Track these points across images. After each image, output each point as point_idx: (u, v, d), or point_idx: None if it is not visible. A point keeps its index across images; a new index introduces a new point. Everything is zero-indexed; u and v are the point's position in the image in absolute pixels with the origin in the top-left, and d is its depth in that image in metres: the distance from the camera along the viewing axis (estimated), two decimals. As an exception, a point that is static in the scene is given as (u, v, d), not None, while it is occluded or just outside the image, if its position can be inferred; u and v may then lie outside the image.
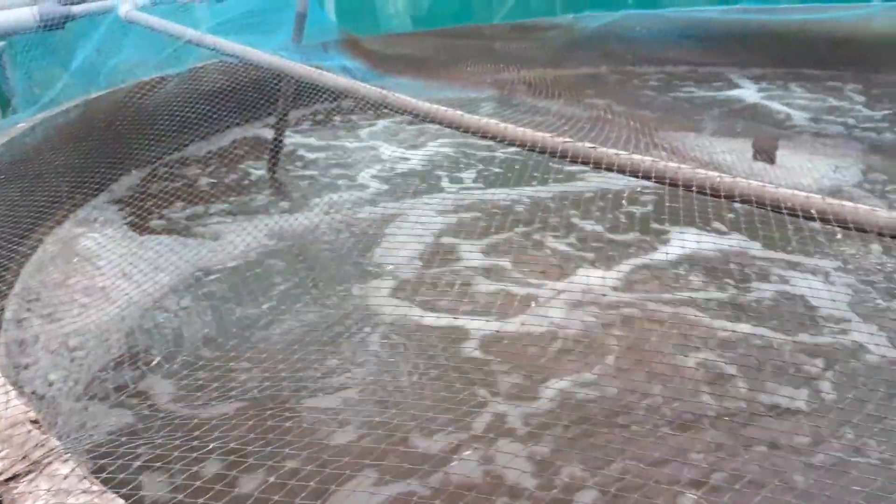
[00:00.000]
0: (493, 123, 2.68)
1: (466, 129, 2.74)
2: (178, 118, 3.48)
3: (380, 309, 2.61)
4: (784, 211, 2.03)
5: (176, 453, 1.53)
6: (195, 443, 1.58)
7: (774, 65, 5.26)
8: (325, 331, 2.49)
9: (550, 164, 3.51)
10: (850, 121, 4.40)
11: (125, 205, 3.52)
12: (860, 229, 1.98)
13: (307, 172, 4.06)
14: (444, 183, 3.76)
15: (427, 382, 2.20)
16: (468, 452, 1.93)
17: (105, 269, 2.86)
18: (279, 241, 3.16)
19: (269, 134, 4.18)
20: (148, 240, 3.16)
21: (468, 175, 3.86)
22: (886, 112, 4.50)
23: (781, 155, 4.07)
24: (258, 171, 4.04)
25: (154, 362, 2.35)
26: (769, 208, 2.10)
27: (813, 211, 2.05)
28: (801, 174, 3.82)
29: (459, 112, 2.75)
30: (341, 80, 2.76)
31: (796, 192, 2.08)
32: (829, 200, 1.99)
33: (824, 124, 4.36)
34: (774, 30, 5.53)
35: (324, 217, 3.33)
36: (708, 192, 2.17)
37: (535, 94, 4.65)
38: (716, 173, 2.22)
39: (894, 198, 3.33)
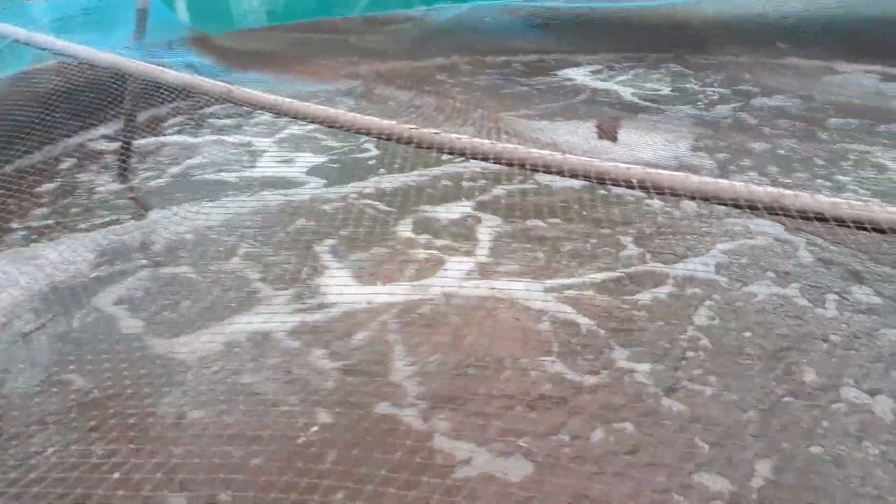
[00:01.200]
0: (342, 113, 2.72)
1: (314, 120, 2.78)
2: (9, 125, 3.29)
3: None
4: (608, 182, 2.21)
5: None
6: None
7: (617, 50, 5.58)
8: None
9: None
10: (683, 97, 4.74)
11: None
12: (675, 194, 2.19)
13: (164, 176, 3.94)
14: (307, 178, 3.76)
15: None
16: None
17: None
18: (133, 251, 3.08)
19: (116, 137, 4.03)
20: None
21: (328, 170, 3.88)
22: (713, 88, 4.87)
23: (623, 133, 4.33)
24: (104, 178, 3.89)
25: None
26: (595, 180, 2.28)
27: (634, 181, 2.24)
28: (641, 149, 4.07)
29: (307, 103, 2.78)
30: (184, 77, 2.72)
31: (618, 164, 2.26)
32: (648, 170, 2.19)
33: (661, 103, 4.67)
34: (616, 18, 5.86)
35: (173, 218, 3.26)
36: (541, 169, 2.32)
37: (388, 85, 4.73)
38: (548, 152, 2.37)
39: (718, 164, 3.63)
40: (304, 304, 2.60)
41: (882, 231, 2.09)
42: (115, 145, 3.93)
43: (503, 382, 2.17)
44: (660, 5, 5.89)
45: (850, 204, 1.91)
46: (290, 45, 5.42)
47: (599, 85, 5.13)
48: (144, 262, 2.90)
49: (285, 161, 3.82)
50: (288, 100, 2.76)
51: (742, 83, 4.91)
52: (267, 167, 3.77)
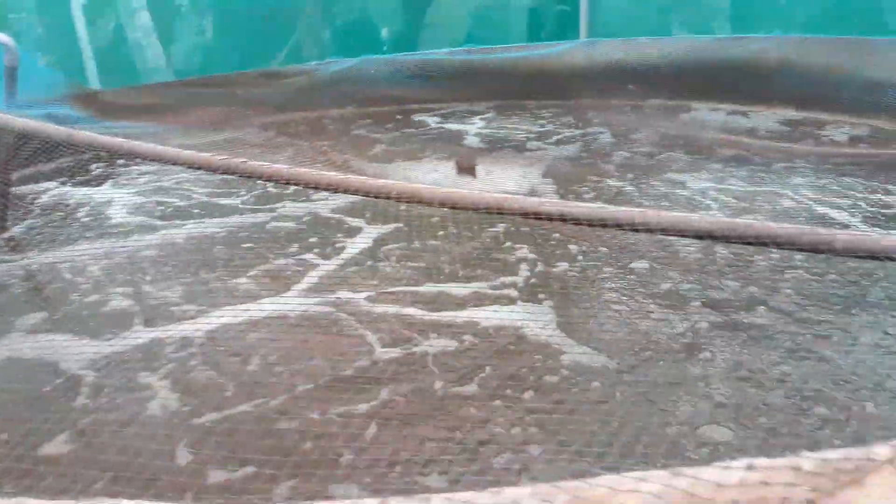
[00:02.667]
0: (187, 154, 3.05)
1: (166, 161, 3.10)
2: None
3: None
4: (437, 204, 2.58)
5: None
6: None
7: (491, 98, 6.07)
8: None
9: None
10: (545, 138, 5.21)
11: None
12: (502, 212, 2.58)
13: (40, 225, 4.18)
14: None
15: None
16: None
17: None
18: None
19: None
20: None
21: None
22: (571, 129, 5.35)
23: (485, 170, 4.75)
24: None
25: None
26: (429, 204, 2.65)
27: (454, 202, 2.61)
28: (502, 183, 4.48)
29: (153, 145, 3.11)
30: (27, 123, 3.03)
31: (431, 187, 2.64)
32: (463, 192, 2.56)
33: (525, 142, 5.12)
34: (493, 67, 6.39)
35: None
36: (372, 195, 2.66)
37: (278, 134, 5.10)
38: (383, 181, 2.73)
39: (561, 191, 4.05)
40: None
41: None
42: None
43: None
44: (530, 55, 6.43)
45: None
46: (181, 99, 5.77)
47: (473, 129, 5.58)
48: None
49: (160, 206, 4.11)
50: (136, 143, 3.09)
51: (593, 123, 5.39)
52: (138, 212, 4.06)
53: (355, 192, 2.57)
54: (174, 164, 2.76)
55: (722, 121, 5.43)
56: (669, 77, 5.96)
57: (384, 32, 8.47)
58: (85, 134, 2.93)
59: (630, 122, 5.46)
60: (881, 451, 1.17)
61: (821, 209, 3.63)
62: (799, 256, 2.98)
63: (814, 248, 1.81)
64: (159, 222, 3.84)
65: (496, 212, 2.38)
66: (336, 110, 5.83)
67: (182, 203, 4.08)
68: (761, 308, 2.66)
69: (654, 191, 4.01)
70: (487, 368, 2.39)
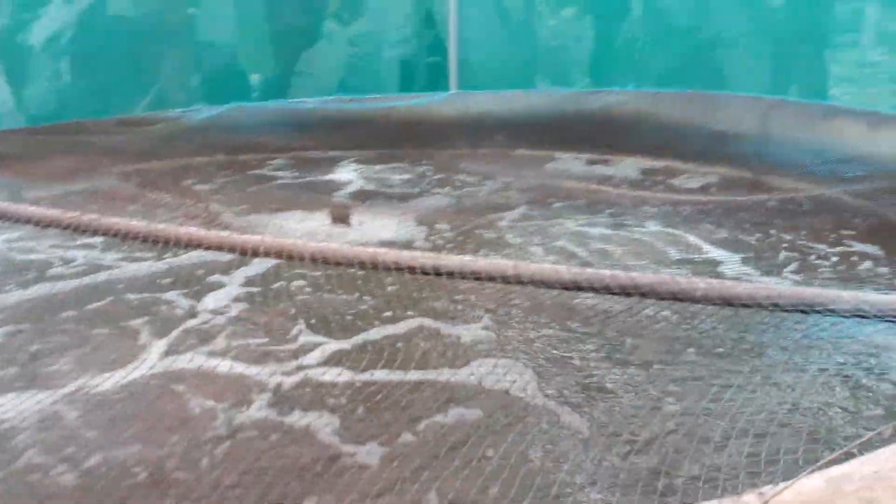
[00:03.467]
0: (77, 216, 2.85)
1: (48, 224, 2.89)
2: None
3: None
4: (295, 258, 2.50)
5: None
6: None
7: (365, 146, 6.08)
8: None
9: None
10: (415, 187, 5.25)
11: None
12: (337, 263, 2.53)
13: None
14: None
15: None
16: None
17: None
18: None
19: None
20: None
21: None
22: (439, 177, 5.44)
23: (359, 219, 4.71)
24: None
25: None
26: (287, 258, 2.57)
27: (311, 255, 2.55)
28: (374, 233, 4.45)
29: (37, 207, 2.89)
30: None
31: (298, 241, 2.56)
32: (319, 245, 2.50)
33: (398, 191, 5.14)
34: (364, 116, 6.43)
35: None
36: (238, 251, 2.57)
37: (134, 185, 4.86)
38: (249, 237, 2.64)
39: (434, 238, 4.06)
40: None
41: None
42: None
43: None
44: (402, 105, 6.55)
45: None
46: (27, 148, 5.42)
47: (342, 177, 5.55)
48: None
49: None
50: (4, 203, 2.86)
51: (464, 172, 5.51)
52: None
53: (219, 247, 2.48)
54: (26, 222, 2.57)
55: (584, 170, 5.68)
56: (535, 128, 6.21)
57: (253, 79, 8.37)
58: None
59: (499, 170, 5.62)
60: (749, 499, 1.22)
61: (678, 254, 3.84)
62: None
63: (675, 297, 1.89)
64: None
65: (371, 266, 2.36)
66: (201, 159, 5.66)
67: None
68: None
69: (524, 238, 4.11)
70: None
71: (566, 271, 2.05)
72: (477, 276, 2.25)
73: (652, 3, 8.42)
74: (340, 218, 4.74)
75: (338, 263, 2.53)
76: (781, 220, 4.30)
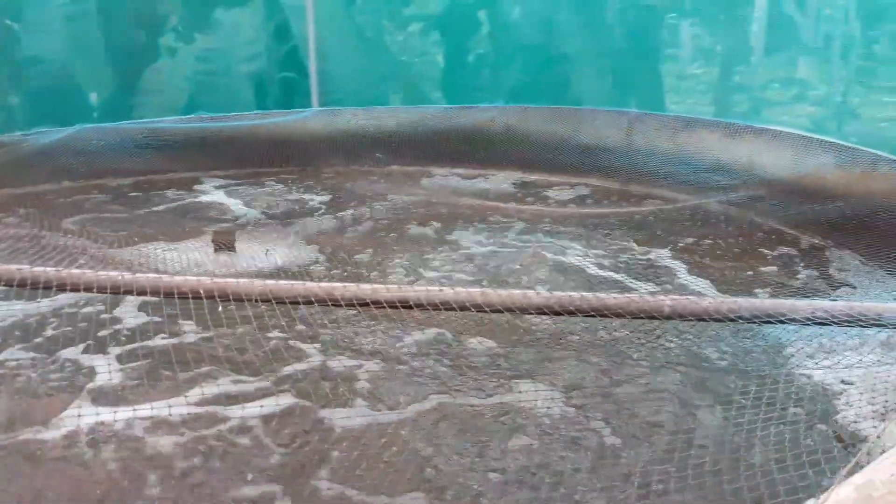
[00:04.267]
0: None
1: None
2: None
3: None
4: (176, 296, 2.29)
5: None
6: None
7: (227, 166, 5.79)
8: None
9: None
10: (295, 207, 5.07)
11: None
12: (241, 299, 2.36)
13: None
14: None
15: None
16: None
17: None
18: None
19: None
20: None
21: None
22: (321, 196, 5.30)
23: (240, 245, 4.47)
24: None
25: None
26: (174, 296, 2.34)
27: (208, 292, 2.35)
28: (258, 259, 4.23)
29: None
30: None
31: (188, 278, 2.36)
32: (204, 280, 2.32)
33: (274, 213, 4.94)
34: (229, 135, 6.12)
35: None
36: (109, 290, 2.30)
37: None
38: (117, 273, 2.37)
39: (323, 267, 3.93)
40: None
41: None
42: None
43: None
44: (269, 122, 6.30)
45: (387, 288, 2.27)
46: None
47: (214, 199, 5.26)
48: None
49: None
50: None
51: (342, 191, 5.40)
52: None
53: (128, 291, 2.23)
54: None
55: (461, 185, 5.75)
56: (408, 144, 6.21)
57: (93, 98, 7.73)
58: None
59: (375, 188, 5.57)
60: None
61: (574, 263, 3.97)
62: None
63: (647, 315, 1.94)
64: None
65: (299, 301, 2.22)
66: (58, 185, 5.15)
67: None
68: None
69: (429, 258, 4.09)
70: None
71: (535, 296, 2.05)
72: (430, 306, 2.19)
73: (499, 21, 8.71)
74: (224, 244, 4.49)
75: (267, 300, 2.36)
76: (664, 228, 4.57)
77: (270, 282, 2.32)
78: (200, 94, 7.89)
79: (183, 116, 6.48)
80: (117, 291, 2.27)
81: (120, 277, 2.27)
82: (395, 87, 8.82)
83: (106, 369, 2.76)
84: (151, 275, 2.34)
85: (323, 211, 5.00)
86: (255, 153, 5.99)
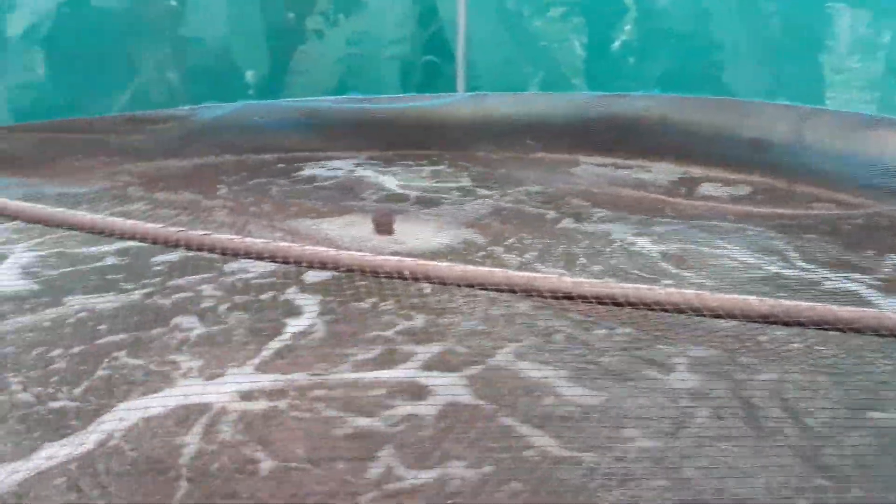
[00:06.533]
0: (100, 219, 2.58)
1: (71, 227, 2.61)
2: None
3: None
4: (381, 275, 2.30)
5: None
6: None
7: (383, 148, 5.85)
8: None
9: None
10: (446, 193, 5.06)
11: None
12: (443, 283, 2.34)
13: None
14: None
15: None
16: None
17: None
18: None
19: None
20: None
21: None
22: (471, 182, 5.27)
23: (398, 227, 4.51)
24: None
25: None
26: (370, 274, 2.36)
27: (406, 272, 2.35)
28: (414, 242, 4.26)
29: (60, 209, 2.61)
30: None
31: (389, 258, 2.36)
32: (406, 261, 2.32)
33: (427, 197, 4.95)
34: (381, 116, 6.20)
35: None
36: (317, 266, 2.36)
37: (153, 187, 4.56)
38: (323, 248, 2.43)
39: (481, 250, 3.89)
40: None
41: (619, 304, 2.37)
42: None
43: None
44: (419, 106, 6.34)
45: (590, 283, 2.17)
46: (38, 146, 5.05)
47: (369, 180, 5.33)
48: None
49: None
50: (38, 206, 2.58)
51: (493, 176, 5.34)
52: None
53: (349, 269, 2.26)
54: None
55: (616, 175, 5.57)
56: (557, 131, 6.08)
57: (249, 76, 8.03)
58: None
59: (527, 174, 5.47)
60: None
61: (769, 267, 3.74)
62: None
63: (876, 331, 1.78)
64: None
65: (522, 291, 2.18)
66: (225, 158, 5.37)
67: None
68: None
69: (595, 251, 3.97)
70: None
71: (757, 303, 1.91)
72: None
73: (647, 7, 8.40)
74: (384, 225, 4.54)
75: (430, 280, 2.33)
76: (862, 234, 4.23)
77: (470, 267, 2.28)
78: (348, 75, 8.06)
79: (337, 97, 6.61)
80: (321, 266, 2.30)
81: (326, 252, 2.31)
82: (535, 73, 8.69)
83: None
84: (354, 252, 2.36)
85: (476, 195, 4.96)
86: (406, 135, 6.03)
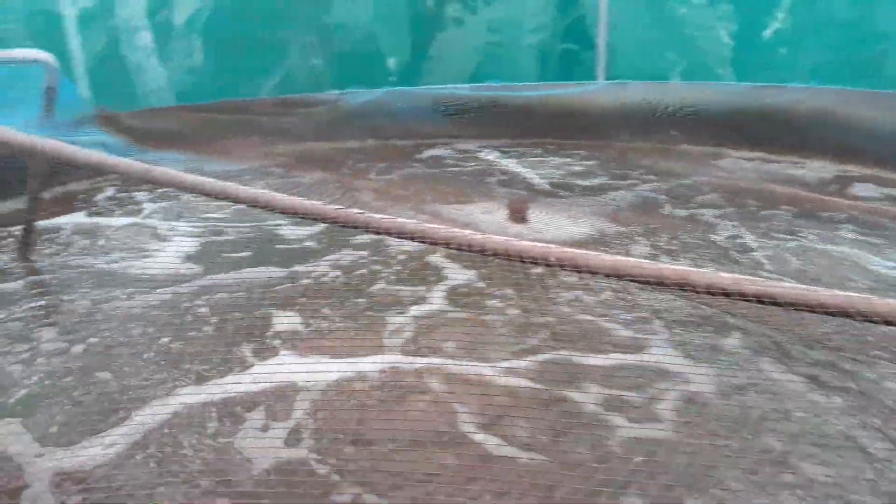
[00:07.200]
0: (263, 193, 2.73)
1: (237, 200, 2.77)
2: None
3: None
4: (526, 260, 2.31)
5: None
6: None
7: (520, 135, 5.85)
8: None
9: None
10: (583, 181, 5.00)
11: None
12: (591, 272, 2.32)
13: (69, 256, 3.79)
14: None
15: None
16: None
17: None
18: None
19: (19, 215, 3.87)
20: None
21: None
22: (610, 173, 5.17)
23: (533, 214, 4.51)
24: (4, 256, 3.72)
25: None
26: (519, 259, 2.37)
27: (553, 259, 2.34)
28: (552, 230, 4.24)
29: (229, 183, 2.78)
30: (98, 156, 2.67)
31: (536, 243, 2.37)
32: (565, 248, 2.31)
33: (564, 185, 4.91)
34: (518, 104, 6.19)
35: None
36: (465, 248, 2.40)
37: (305, 167, 4.78)
38: (469, 231, 2.46)
39: (616, 243, 3.82)
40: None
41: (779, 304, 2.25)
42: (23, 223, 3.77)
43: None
44: (556, 94, 6.27)
45: (751, 280, 2.08)
46: (200, 126, 5.41)
47: (506, 168, 5.35)
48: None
49: (198, 247, 3.75)
50: (210, 180, 2.75)
51: (635, 167, 5.22)
52: (175, 254, 3.70)
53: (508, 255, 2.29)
54: (290, 213, 2.43)
55: (768, 170, 5.31)
56: (701, 122, 5.86)
57: (391, 63, 8.23)
58: (164, 172, 2.58)
59: (670, 166, 5.31)
60: None
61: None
62: None
63: None
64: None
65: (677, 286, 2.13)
66: (355, 142, 5.54)
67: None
68: None
69: (742, 248, 3.81)
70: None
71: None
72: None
73: (803, -7, 7.90)
74: (519, 212, 4.54)
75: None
76: None
77: (621, 258, 2.24)
78: (485, 63, 8.09)
79: (476, 84, 6.66)
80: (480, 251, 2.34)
81: (473, 235, 2.34)
82: (678, 62, 8.39)
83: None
84: (503, 237, 2.38)
85: (615, 186, 4.87)
86: (543, 124, 6.00)
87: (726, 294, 2.07)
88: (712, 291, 2.10)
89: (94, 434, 2.28)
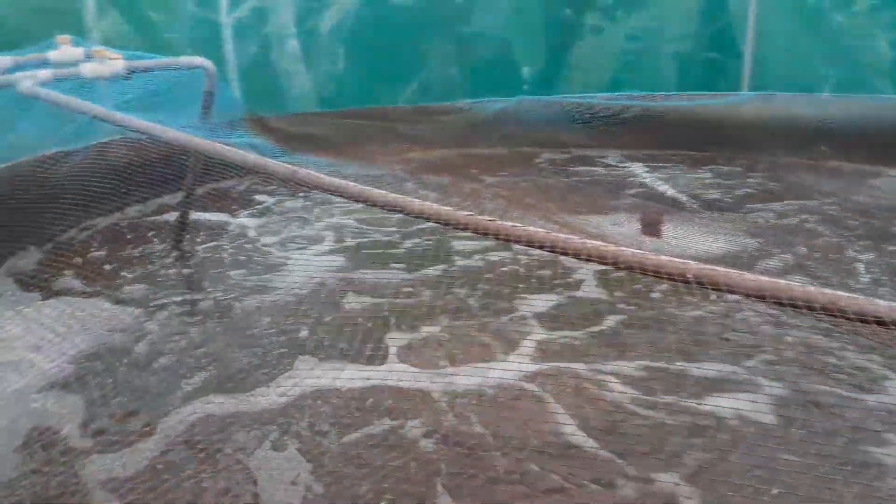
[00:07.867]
0: (400, 198, 2.80)
1: (374, 203, 2.86)
2: (83, 193, 3.47)
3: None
4: (663, 276, 2.24)
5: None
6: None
7: (656, 147, 5.70)
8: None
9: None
10: (722, 196, 4.80)
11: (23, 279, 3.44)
12: (731, 291, 2.22)
13: (215, 247, 4.06)
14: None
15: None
16: None
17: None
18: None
19: (175, 209, 4.19)
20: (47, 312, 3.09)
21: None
22: (753, 188, 4.93)
23: (667, 229, 4.38)
24: (162, 245, 4.02)
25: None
26: (650, 274, 2.31)
27: (689, 275, 2.26)
28: (685, 245, 4.10)
29: (367, 187, 2.87)
30: (249, 156, 2.84)
31: (672, 258, 2.29)
32: (703, 266, 2.22)
33: (701, 199, 4.73)
34: (654, 115, 6.02)
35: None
36: (595, 259, 2.36)
37: (439, 173, 4.87)
38: (601, 242, 2.42)
39: (761, 263, 3.64)
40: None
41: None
42: (178, 215, 4.07)
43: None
44: (698, 105, 6.05)
45: None
46: (341, 131, 5.63)
47: (640, 180, 5.22)
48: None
49: (342, 245, 3.90)
50: (350, 183, 2.86)
51: (782, 183, 4.97)
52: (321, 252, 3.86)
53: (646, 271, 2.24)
54: (423, 217, 2.48)
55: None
56: (857, 138, 5.48)
57: (525, 72, 8.23)
58: (309, 174, 2.71)
59: (821, 184, 5.00)
60: None
61: None
62: None
63: None
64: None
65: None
66: (487, 150, 5.59)
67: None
68: None
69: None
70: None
71: None
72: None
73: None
74: (652, 225, 4.43)
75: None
76: None
77: (764, 278, 2.14)
78: (623, 71, 7.93)
79: (612, 94, 6.55)
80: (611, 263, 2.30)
81: (606, 247, 2.30)
82: (831, 73, 7.89)
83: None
84: (634, 250, 2.33)
85: (759, 201, 4.65)
86: (684, 136, 5.81)
87: (881, 324, 1.92)
88: (865, 319, 1.96)
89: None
